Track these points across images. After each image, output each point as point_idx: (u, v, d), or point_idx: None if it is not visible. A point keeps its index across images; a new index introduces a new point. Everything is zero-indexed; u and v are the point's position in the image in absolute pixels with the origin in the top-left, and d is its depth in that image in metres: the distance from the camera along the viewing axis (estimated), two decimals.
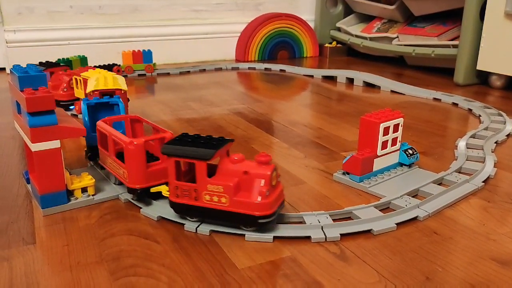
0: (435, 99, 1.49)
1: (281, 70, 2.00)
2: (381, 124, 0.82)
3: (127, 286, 0.56)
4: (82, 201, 0.76)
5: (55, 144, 0.71)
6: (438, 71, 1.93)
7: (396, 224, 0.69)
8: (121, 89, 0.96)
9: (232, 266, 0.60)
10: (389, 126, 0.84)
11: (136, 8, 2.08)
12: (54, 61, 1.56)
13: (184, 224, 0.69)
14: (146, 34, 2.09)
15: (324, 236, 0.66)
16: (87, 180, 0.77)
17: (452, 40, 1.80)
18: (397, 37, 2.03)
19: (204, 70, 2.00)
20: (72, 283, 0.56)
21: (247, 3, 2.30)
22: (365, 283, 0.56)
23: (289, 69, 1.98)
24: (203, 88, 1.67)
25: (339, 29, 2.40)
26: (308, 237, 0.66)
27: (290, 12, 2.30)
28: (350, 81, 1.76)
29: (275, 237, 0.66)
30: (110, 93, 0.96)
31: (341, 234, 0.66)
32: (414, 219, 0.72)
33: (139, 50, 1.68)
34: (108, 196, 0.78)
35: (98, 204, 0.77)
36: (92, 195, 0.77)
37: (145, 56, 1.68)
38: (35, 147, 0.70)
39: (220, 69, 2.03)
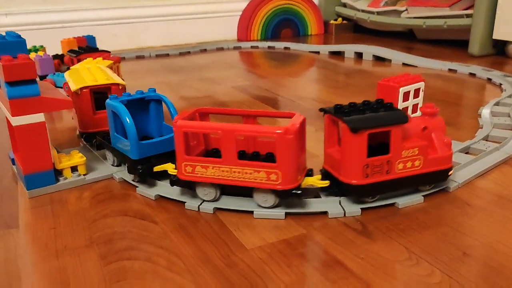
0: (450, 70, 1.40)
1: (286, 48, 1.91)
2: (401, 89, 0.74)
3: (119, 271, 0.49)
4: (72, 181, 0.69)
5: (38, 117, 0.64)
6: (451, 44, 1.83)
7: (423, 196, 0.62)
8: (118, 84, 0.79)
9: (240, 246, 0.53)
10: (409, 91, 0.76)
11: None
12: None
13: (185, 202, 0.62)
14: (144, 15, 2.01)
15: (342, 211, 0.58)
16: (77, 158, 0.70)
17: (465, 9, 1.71)
18: (406, 9, 1.93)
19: (205, 50, 1.92)
20: (57, 270, 0.49)
21: None
22: (393, 260, 0.49)
23: (294, 46, 1.89)
24: (204, 67, 1.59)
25: (344, 5, 2.30)
26: (325, 213, 0.59)
27: None
28: (359, 56, 1.67)
29: (287, 214, 0.59)
30: (104, 90, 0.79)
31: (362, 209, 0.59)
32: (443, 190, 0.64)
33: (81, 37, 1.50)
34: (101, 175, 0.71)
35: (90, 184, 0.70)
36: (83, 175, 0.70)
37: (89, 42, 1.49)
38: (15, 121, 0.62)
39: (222, 48, 1.95)
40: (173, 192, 0.64)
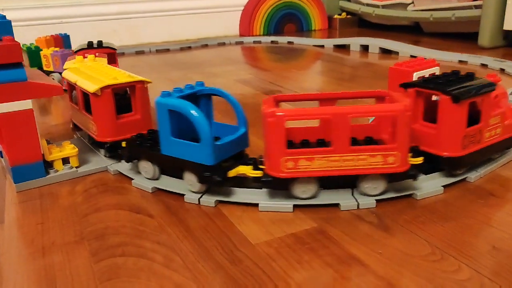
0: (460, 61, 1.35)
1: (289, 42, 1.86)
2: (415, 73, 0.69)
3: (111, 268, 0.44)
4: (63, 174, 0.64)
5: (25, 104, 0.59)
6: (459, 37, 1.78)
7: (442, 187, 0.57)
8: (143, 82, 0.68)
9: (245, 241, 0.48)
10: (423, 76, 0.71)
11: None
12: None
13: (184, 195, 0.57)
14: (144, 10, 1.96)
15: (356, 203, 0.53)
16: (68, 149, 0.65)
17: (474, 0, 1.66)
18: (413, 2, 1.88)
19: (207, 45, 1.87)
20: (43, 267, 0.45)
21: None
22: (415, 255, 0.44)
23: (298, 40, 1.85)
24: (205, 62, 1.55)
25: None
26: (336, 205, 0.54)
27: None
28: (365, 49, 1.62)
29: (295, 206, 0.54)
30: (124, 89, 0.69)
31: (376, 201, 0.54)
32: (463, 180, 0.59)
33: (57, 35, 1.44)
34: (95, 168, 0.66)
35: (83, 177, 0.65)
36: (76, 167, 0.65)
37: (64, 41, 1.44)
38: (0, 108, 0.58)
39: (224, 44, 1.90)
40: (172, 184, 0.60)
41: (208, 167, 0.54)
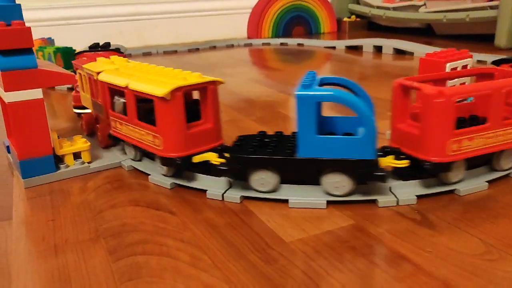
0: (479, 61, 1.31)
1: (299, 44, 1.83)
2: (448, 64, 0.65)
3: (132, 268, 0.39)
4: (75, 169, 0.60)
5: (35, 93, 0.55)
6: (471, 38, 1.74)
7: (487, 182, 0.52)
8: (215, 82, 0.56)
9: (277, 239, 0.43)
10: (456, 67, 0.67)
11: None
12: None
13: (206, 190, 0.53)
14: (152, 12, 1.93)
15: (395, 199, 0.49)
16: (80, 144, 0.61)
17: (489, 0, 1.62)
18: (424, 4, 1.85)
19: (215, 47, 1.84)
20: (56, 267, 0.40)
21: None
22: (469, 254, 0.40)
23: (308, 42, 1.81)
24: (215, 63, 1.51)
25: (358, 2, 2.22)
26: (374, 201, 0.49)
27: None
28: (378, 50, 1.59)
29: (328, 202, 0.49)
30: (199, 89, 0.55)
31: (417, 197, 0.50)
32: (507, 176, 0.55)
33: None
34: (108, 163, 0.62)
35: (96, 173, 0.61)
36: (88, 163, 0.61)
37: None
38: (9, 97, 0.54)
39: (232, 45, 1.87)
40: (191, 179, 0.55)
41: (368, 163, 0.47)
